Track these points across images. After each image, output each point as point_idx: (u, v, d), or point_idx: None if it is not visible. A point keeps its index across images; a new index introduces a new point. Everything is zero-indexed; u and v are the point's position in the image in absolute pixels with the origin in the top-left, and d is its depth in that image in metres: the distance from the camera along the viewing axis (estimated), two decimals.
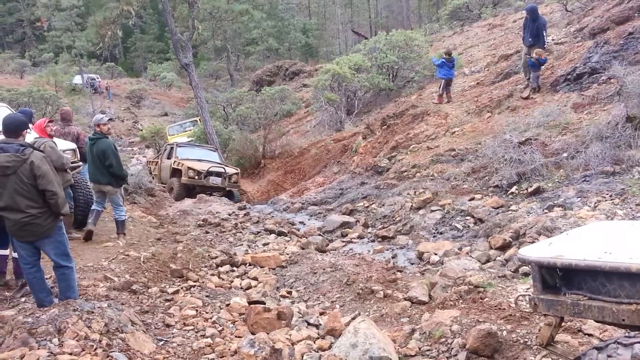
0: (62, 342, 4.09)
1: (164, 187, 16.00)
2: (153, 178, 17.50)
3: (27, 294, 5.26)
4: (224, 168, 16.04)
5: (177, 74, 49.98)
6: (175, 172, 15.78)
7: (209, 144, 20.24)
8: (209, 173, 15.31)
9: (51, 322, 4.26)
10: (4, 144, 4.71)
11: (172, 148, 17.15)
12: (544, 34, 12.05)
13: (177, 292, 6.46)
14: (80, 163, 8.91)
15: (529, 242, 6.44)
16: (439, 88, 15.03)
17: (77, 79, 38.94)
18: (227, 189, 15.85)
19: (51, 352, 3.96)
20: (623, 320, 3.00)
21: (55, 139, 8.01)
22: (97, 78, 42.61)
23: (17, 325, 4.22)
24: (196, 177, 15.11)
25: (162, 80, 50.85)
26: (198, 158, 16.39)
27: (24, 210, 4.66)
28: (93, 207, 8.23)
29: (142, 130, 28.33)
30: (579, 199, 7.66)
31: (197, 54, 49.14)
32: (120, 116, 35.51)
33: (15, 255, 5.37)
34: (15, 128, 4.80)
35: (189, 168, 15.13)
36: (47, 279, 5.17)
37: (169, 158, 16.72)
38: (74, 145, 8.75)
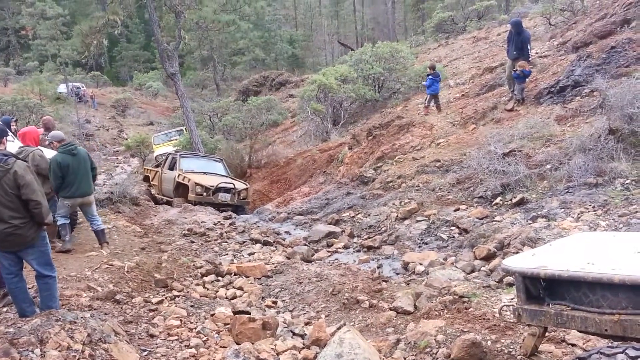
0: (44, 352, 4.04)
1: (165, 198, 15.62)
2: (151, 188, 17.23)
3: (9, 304, 5.20)
4: (233, 184, 15.22)
5: (163, 83, 49.91)
6: (180, 187, 15.07)
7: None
8: (218, 189, 14.59)
9: (33, 333, 4.21)
10: None
11: (174, 158, 16.36)
12: (528, 47, 12.20)
13: (161, 302, 6.41)
14: None
15: (513, 253, 6.48)
16: (425, 100, 15.17)
17: (62, 88, 38.66)
18: (237, 204, 15.06)
19: None
20: (606, 330, 3.04)
21: (41, 148, 7.98)
22: (82, 87, 42.34)
23: None
24: (204, 194, 14.39)
25: (148, 89, 50.72)
26: (204, 170, 15.67)
27: (7, 220, 4.60)
28: (62, 221, 7.85)
29: (127, 139, 28.16)
30: (563, 210, 7.73)
31: (184, 64, 49.16)
32: (105, 125, 35.30)
33: None
34: None
35: (197, 184, 14.43)
36: (29, 288, 5.11)
37: (171, 169, 16.01)
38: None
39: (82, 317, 4.65)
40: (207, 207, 13.89)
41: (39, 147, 7.93)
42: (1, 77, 44.52)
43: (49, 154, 8.05)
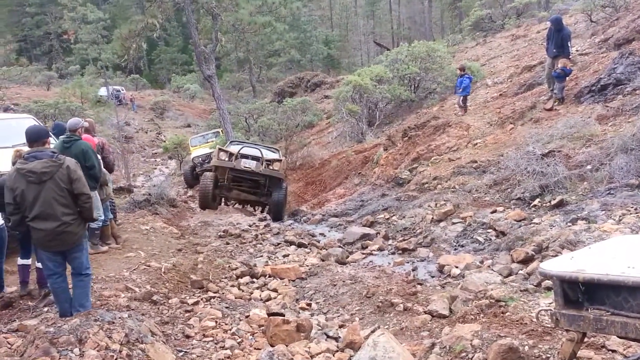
0: (83, 352, 4.13)
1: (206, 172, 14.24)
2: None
3: (50, 304, 5.32)
4: (260, 150, 13.56)
5: (200, 85, 50.57)
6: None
7: None
8: (242, 156, 13.06)
9: (72, 332, 4.31)
10: (37, 152, 4.80)
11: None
12: (569, 45, 11.91)
13: (197, 303, 6.49)
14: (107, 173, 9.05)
15: (552, 256, 6.34)
16: (460, 101, 15.03)
17: (103, 91, 39.52)
18: (264, 174, 13.09)
19: None
20: None
21: None
22: (122, 90, 43.21)
23: (39, 335, 4.27)
24: (226, 159, 13.04)
25: (185, 91, 51.48)
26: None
27: (59, 217, 4.71)
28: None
29: (165, 141, 28.61)
30: (603, 212, 7.53)
31: (220, 66, 49.67)
32: (144, 127, 35.94)
33: (38, 265, 5.44)
34: (38, 137, 4.90)
35: (220, 149, 13.39)
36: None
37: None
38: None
39: (120, 318, 4.74)
40: (230, 177, 13.06)
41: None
42: (44, 81, 45.74)
43: None
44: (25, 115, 10.74)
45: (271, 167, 13.16)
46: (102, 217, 7.80)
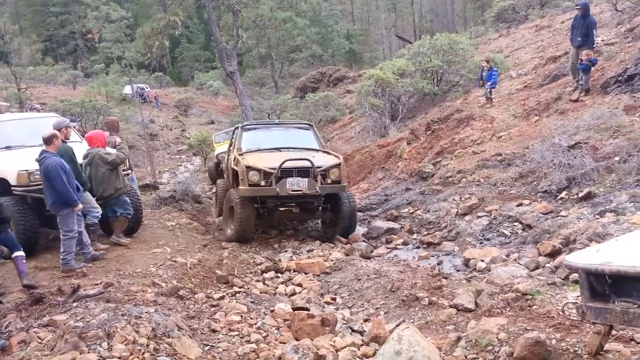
0: (111, 346, 4.21)
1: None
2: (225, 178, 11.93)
3: (79, 299, 5.42)
4: (309, 160, 9.30)
5: (223, 82, 50.78)
6: (237, 177, 9.79)
7: None
8: (285, 173, 9.18)
9: (101, 327, 4.39)
10: None
11: (235, 133, 11.08)
12: (594, 34, 11.73)
13: (222, 297, 6.56)
14: (129, 170, 9.18)
15: (580, 249, 6.25)
16: (488, 92, 14.90)
17: (127, 89, 39.85)
18: (323, 196, 9.60)
19: (101, 356, 4.08)
20: None
21: (108, 149, 8.34)
22: (146, 88, 43.57)
23: (69, 330, 4.36)
24: (263, 183, 9.18)
25: (208, 88, 51.77)
26: (274, 146, 10.26)
27: None
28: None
29: (189, 138, 28.79)
30: (632, 204, 7.40)
31: (242, 62, 49.91)
32: (168, 125, 36.23)
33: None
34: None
35: (249, 168, 9.21)
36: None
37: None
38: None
39: (147, 312, 4.82)
40: (277, 209, 9.88)
41: (106, 149, 8.28)
42: (70, 80, 46.37)
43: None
44: (52, 114, 10.92)
45: (330, 179, 9.49)
46: (98, 213, 7.86)
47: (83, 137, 9.36)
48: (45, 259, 7.49)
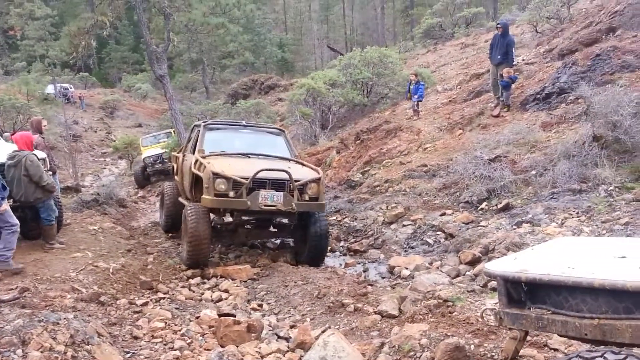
0: (26, 353, 4.02)
1: (191, 203, 8.51)
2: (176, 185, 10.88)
3: None
4: (287, 172, 8.04)
5: (152, 85, 49.64)
6: (198, 183, 8.49)
7: None
8: (258, 183, 7.94)
9: (15, 333, 4.19)
10: None
11: (198, 131, 9.78)
12: (513, 52, 12.30)
13: (146, 304, 6.40)
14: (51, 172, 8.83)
15: (498, 257, 6.52)
16: (415, 105, 15.29)
17: (50, 89, 38.32)
18: (297, 212, 8.27)
19: None
20: (585, 334, 3.05)
21: (36, 152, 7.94)
22: (70, 88, 42.03)
23: None
24: (231, 194, 7.86)
25: (136, 91, 50.45)
26: (242, 152, 9.16)
27: None
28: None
29: (115, 141, 28.00)
30: (547, 215, 7.81)
31: (173, 66, 48.98)
32: (93, 126, 35.08)
33: None
34: None
35: (216, 175, 7.86)
36: None
37: (194, 152, 9.24)
38: (44, 155, 8.67)
39: (65, 318, 4.63)
40: (244, 226, 8.71)
41: (33, 152, 7.81)
42: None
43: (42, 156, 8.06)
44: None
45: (307, 195, 8.25)
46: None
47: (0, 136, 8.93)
48: None
